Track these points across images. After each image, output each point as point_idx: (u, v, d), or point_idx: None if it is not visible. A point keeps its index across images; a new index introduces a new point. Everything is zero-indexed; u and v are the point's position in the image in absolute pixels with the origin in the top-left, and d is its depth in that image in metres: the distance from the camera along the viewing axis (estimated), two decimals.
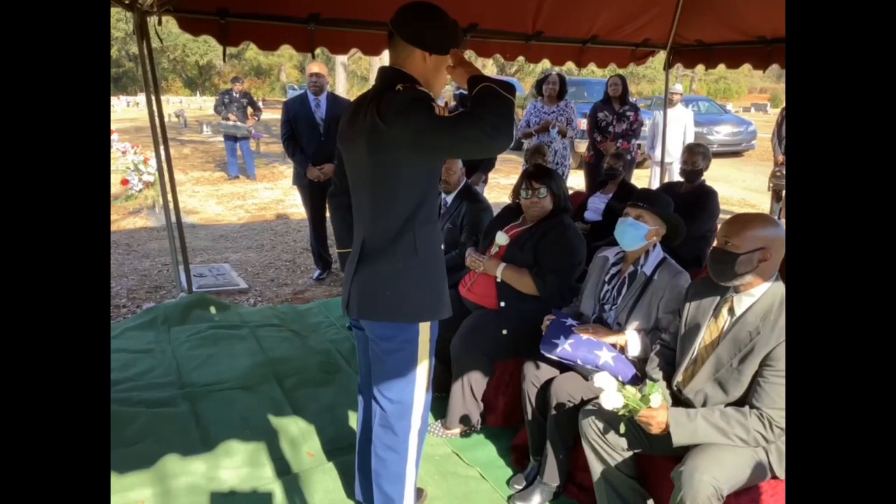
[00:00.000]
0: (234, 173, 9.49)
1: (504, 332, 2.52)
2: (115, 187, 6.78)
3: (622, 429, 1.79)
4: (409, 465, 1.84)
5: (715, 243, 1.76)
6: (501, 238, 2.69)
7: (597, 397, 1.80)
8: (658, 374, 1.94)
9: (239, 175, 9.50)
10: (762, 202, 8.00)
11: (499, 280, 2.60)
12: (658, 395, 1.72)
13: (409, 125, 1.50)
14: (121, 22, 24.17)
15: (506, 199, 6.18)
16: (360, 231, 1.74)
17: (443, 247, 1.68)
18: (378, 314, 1.71)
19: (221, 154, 12.02)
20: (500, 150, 1.48)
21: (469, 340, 2.54)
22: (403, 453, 1.82)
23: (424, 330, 1.72)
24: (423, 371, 1.77)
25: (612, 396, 1.72)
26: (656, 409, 1.70)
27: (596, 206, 3.99)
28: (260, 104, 9.92)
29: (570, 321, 2.22)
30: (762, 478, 1.67)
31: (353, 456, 2.12)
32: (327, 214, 4.72)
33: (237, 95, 9.28)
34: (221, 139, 13.73)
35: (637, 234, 2.19)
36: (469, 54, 4.11)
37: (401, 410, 1.78)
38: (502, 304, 2.59)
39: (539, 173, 2.66)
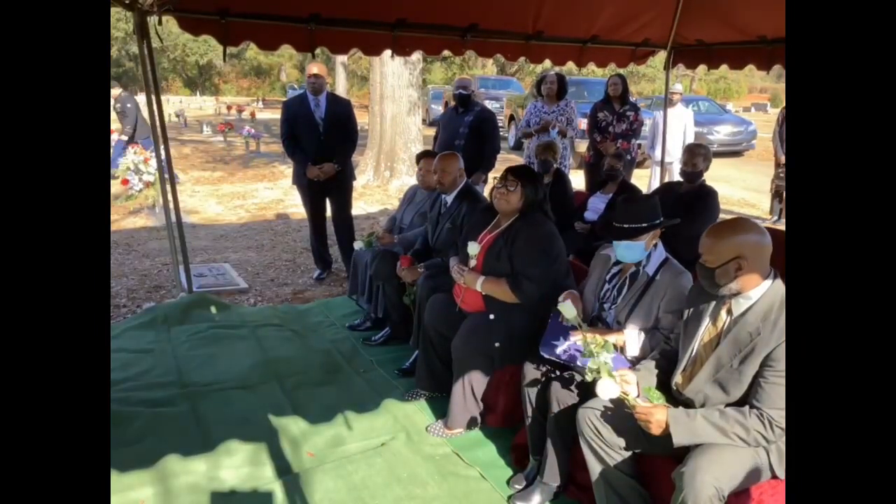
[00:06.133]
0: None
1: (497, 344, 2.50)
2: (116, 187, 6.77)
3: (624, 420, 1.79)
4: None
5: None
6: (472, 248, 2.64)
7: (597, 397, 1.81)
8: (650, 364, 1.94)
9: None
10: (762, 202, 8.00)
11: (482, 293, 2.58)
12: (657, 393, 1.74)
13: None
14: (121, 22, 24.14)
15: None
16: None
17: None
18: None
19: (222, 154, 12.04)
20: None
21: (470, 341, 2.54)
22: None
23: None
24: None
25: (609, 386, 1.73)
26: (654, 406, 1.70)
27: (596, 207, 3.99)
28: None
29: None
30: (763, 478, 1.67)
31: (352, 456, 2.11)
32: (328, 214, 4.73)
33: None
34: (221, 139, 13.83)
35: (636, 251, 2.17)
36: (469, 54, 4.12)
37: None
38: (491, 316, 2.54)
39: (520, 171, 2.56)
